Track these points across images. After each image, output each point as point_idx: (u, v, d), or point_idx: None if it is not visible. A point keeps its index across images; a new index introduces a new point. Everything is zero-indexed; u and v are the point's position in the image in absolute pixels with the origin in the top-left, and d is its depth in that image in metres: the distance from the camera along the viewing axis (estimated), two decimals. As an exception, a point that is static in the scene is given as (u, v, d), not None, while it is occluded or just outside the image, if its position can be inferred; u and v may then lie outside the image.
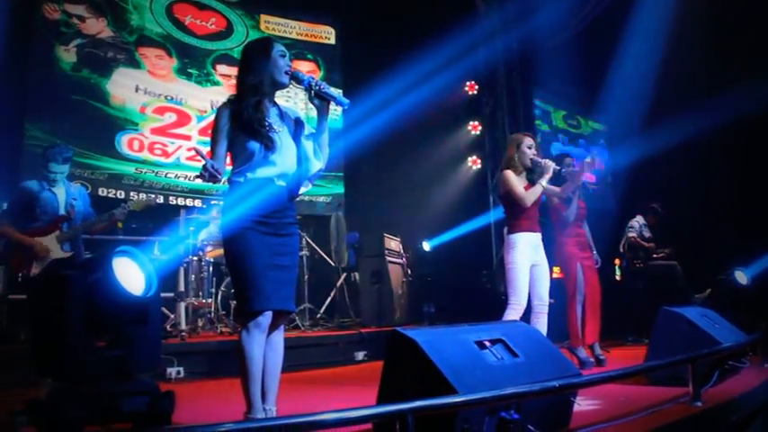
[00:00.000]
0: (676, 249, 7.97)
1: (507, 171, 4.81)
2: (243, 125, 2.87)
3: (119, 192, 7.90)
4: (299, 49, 9.80)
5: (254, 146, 2.87)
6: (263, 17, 9.70)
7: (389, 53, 9.08)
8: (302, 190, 3.06)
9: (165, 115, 8.65)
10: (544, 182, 4.69)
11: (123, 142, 8.23)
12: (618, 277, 8.95)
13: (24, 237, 4.51)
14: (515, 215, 4.78)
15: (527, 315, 4.65)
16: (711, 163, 9.09)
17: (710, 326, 4.13)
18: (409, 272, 8.94)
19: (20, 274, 4.50)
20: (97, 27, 8.27)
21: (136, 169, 8.25)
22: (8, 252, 4.64)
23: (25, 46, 7.71)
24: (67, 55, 7.98)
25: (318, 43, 10.11)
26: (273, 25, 9.74)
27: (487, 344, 2.75)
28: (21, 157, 7.37)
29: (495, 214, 9.52)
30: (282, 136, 2.98)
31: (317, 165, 3.03)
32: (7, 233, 4.55)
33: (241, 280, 2.83)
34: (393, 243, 8.58)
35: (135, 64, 8.52)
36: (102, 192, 7.85)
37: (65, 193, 4.74)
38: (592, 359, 5.46)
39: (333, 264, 8.32)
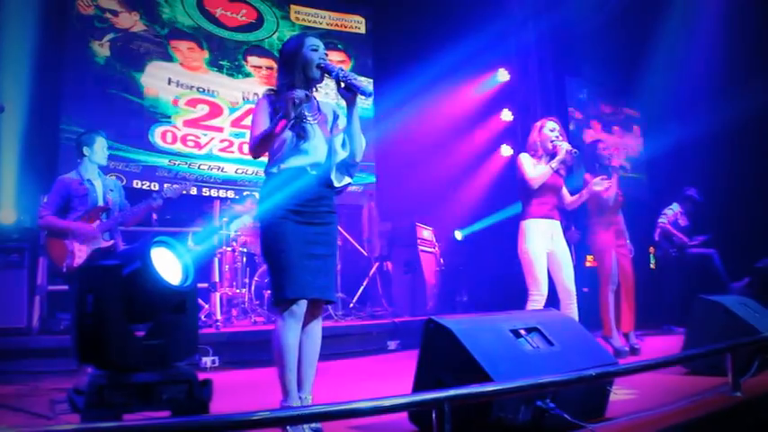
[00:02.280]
0: (714, 237, 7.81)
1: (523, 154, 4.69)
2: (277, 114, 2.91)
3: (152, 184, 7.99)
4: (330, 39, 9.76)
5: (287, 134, 2.93)
6: (294, 7, 9.69)
7: (420, 41, 9.02)
8: (337, 183, 3.02)
9: (198, 107, 8.71)
10: (554, 164, 4.52)
11: (157, 134, 8.32)
12: (652, 266, 8.83)
13: (71, 222, 4.56)
14: (528, 200, 4.64)
15: (556, 306, 4.52)
16: (749, 149, 8.90)
17: (750, 315, 4.04)
18: (441, 261, 8.92)
19: (64, 265, 4.54)
20: (130, 21, 8.35)
21: (169, 161, 8.34)
22: (50, 243, 4.69)
23: (60, 41, 7.82)
24: (101, 49, 8.08)
25: (349, 33, 10.08)
26: (304, 15, 9.73)
27: (523, 332, 2.75)
28: (58, 151, 7.49)
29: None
30: (315, 127, 3.03)
31: (341, 154, 3.02)
32: (51, 223, 4.59)
33: (276, 269, 2.86)
34: (425, 232, 8.56)
35: (167, 57, 8.60)
36: (137, 184, 7.96)
37: (101, 185, 4.78)
38: (626, 348, 5.40)
39: (365, 253, 8.33)
